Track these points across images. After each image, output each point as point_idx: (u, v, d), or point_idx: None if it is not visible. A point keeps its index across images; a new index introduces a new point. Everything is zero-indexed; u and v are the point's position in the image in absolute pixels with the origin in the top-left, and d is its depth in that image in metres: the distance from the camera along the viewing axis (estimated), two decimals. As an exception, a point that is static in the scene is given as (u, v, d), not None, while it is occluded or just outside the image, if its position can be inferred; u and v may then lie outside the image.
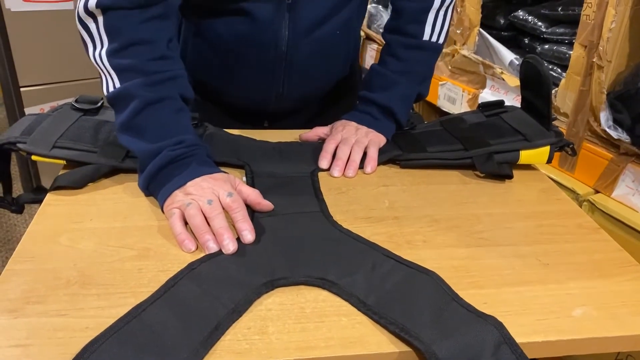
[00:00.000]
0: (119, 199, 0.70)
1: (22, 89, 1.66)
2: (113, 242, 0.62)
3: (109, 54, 0.70)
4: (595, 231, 0.69)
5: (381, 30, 1.74)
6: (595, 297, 0.57)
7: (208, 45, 0.87)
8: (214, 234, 0.61)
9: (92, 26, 0.70)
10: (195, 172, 0.67)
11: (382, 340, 0.50)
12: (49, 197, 0.70)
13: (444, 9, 0.88)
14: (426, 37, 0.88)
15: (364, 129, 0.85)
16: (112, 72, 0.70)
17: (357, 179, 0.78)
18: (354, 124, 0.86)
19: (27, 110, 1.66)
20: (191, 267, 0.58)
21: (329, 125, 0.88)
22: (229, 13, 0.82)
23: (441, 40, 0.90)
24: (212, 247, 0.60)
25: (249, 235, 0.62)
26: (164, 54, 0.72)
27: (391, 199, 0.73)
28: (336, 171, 0.79)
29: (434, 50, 0.90)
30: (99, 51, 0.70)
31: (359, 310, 0.54)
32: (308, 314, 0.53)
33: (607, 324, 0.54)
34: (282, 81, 0.88)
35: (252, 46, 0.84)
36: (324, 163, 0.80)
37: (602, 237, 0.68)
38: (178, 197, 0.65)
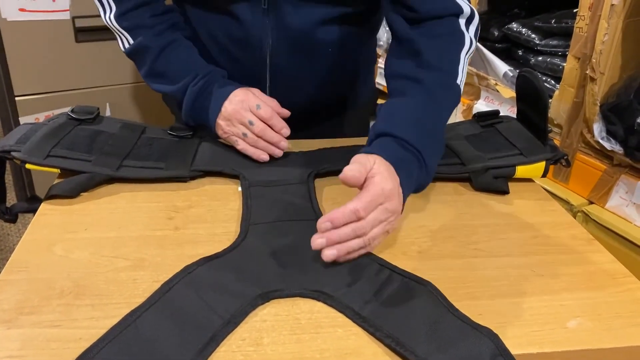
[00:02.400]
0: (113, 209, 0.70)
1: (17, 99, 1.66)
2: (107, 252, 0.62)
3: (117, 18, 0.84)
4: (589, 242, 0.70)
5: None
6: (590, 309, 0.57)
7: (203, 42, 0.90)
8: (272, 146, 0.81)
9: None
10: (221, 95, 0.81)
11: (377, 352, 0.50)
12: (43, 207, 0.70)
13: (470, 53, 0.77)
14: (459, 80, 0.73)
15: (398, 195, 0.61)
16: (123, 31, 0.85)
17: (353, 189, 0.78)
18: (395, 178, 0.62)
19: (22, 120, 1.65)
20: (187, 270, 0.58)
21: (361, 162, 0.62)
22: (218, 11, 0.85)
23: (462, 87, 0.75)
24: (277, 153, 0.81)
25: (286, 130, 0.81)
26: (163, 10, 0.86)
27: (386, 210, 0.73)
28: (330, 252, 0.58)
29: (459, 97, 0.75)
30: (109, 15, 0.85)
31: (354, 322, 0.53)
32: (303, 325, 0.53)
33: (601, 336, 0.54)
34: (268, 88, 0.90)
35: (240, 46, 0.86)
36: (322, 225, 0.58)
37: (596, 249, 0.68)
38: (225, 126, 0.81)
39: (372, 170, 0.61)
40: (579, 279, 0.62)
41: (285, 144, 0.82)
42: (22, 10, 1.57)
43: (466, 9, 0.76)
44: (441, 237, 0.68)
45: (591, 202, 1.17)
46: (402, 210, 0.64)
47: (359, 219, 0.58)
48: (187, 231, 0.67)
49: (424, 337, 0.51)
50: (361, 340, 0.51)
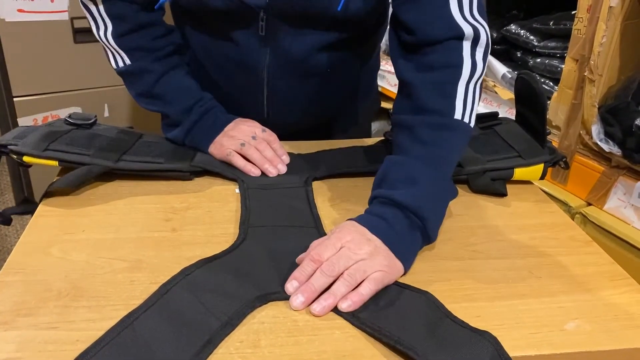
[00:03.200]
0: (111, 210, 0.70)
1: (15, 99, 1.66)
2: (105, 253, 0.62)
3: (116, 36, 0.81)
4: (587, 244, 0.70)
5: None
6: (588, 311, 0.57)
7: (201, 62, 0.89)
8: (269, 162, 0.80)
9: (92, 9, 0.80)
10: (227, 119, 0.84)
11: (375, 354, 0.50)
12: (41, 208, 0.70)
13: (476, 78, 0.69)
14: (458, 114, 0.67)
15: (373, 244, 0.59)
16: (120, 51, 0.82)
17: (351, 192, 0.78)
18: (363, 231, 0.61)
19: (20, 121, 1.65)
20: (185, 272, 0.57)
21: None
22: (217, 35, 0.84)
23: (472, 123, 0.69)
24: (272, 171, 0.79)
25: (286, 157, 0.83)
26: (165, 32, 0.84)
27: (385, 211, 0.73)
28: (297, 300, 0.55)
29: (467, 133, 0.69)
30: (104, 32, 0.81)
31: (352, 324, 0.53)
32: (301, 327, 0.53)
33: (600, 338, 0.54)
34: (266, 107, 0.89)
35: (238, 68, 0.86)
36: (289, 287, 0.56)
37: (594, 250, 0.68)
38: (225, 141, 0.81)
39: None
40: (577, 281, 0.62)
41: (282, 167, 0.81)
42: (20, 10, 1.57)
43: (468, 31, 0.68)
44: (439, 239, 0.68)
45: (589, 204, 1.17)
46: (405, 263, 0.60)
47: (320, 263, 0.57)
48: (184, 233, 0.67)
49: (424, 337, 0.51)
50: (359, 342, 0.51)
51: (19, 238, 0.64)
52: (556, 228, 0.73)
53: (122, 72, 0.84)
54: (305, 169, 0.81)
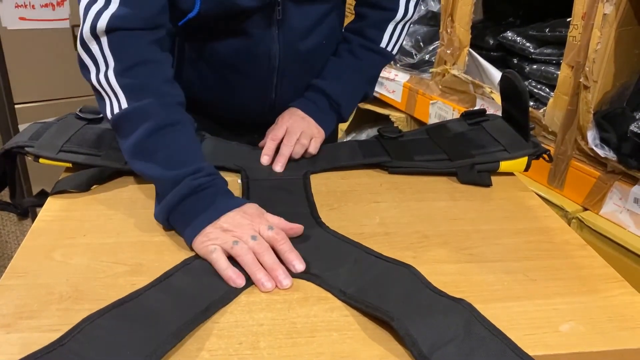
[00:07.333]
0: (112, 215, 0.71)
1: (16, 106, 1.67)
2: (106, 257, 0.63)
3: (118, 74, 0.68)
4: (582, 247, 0.70)
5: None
6: (582, 313, 0.58)
7: (205, 62, 0.89)
8: (265, 270, 0.60)
9: (94, 48, 0.69)
10: (225, 206, 0.65)
11: (373, 355, 0.51)
12: (42, 214, 0.71)
13: (402, 23, 0.96)
14: (383, 44, 0.96)
15: (307, 120, 0.89)
16: (119, 92, 0.68)
17: (349, 196, 0.79)
18: (300, 112, 0.90)
19: (21, 128, 1.66)
20: (185, 263, 0.61)
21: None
22: (224, 31, 0.85)
23: (394, 51, 0.98)
24: (268, 286, 0.58)
25: (299, 265, 0.61)
26: (171, 78, 0.73)
27: (382, 215, 0.74)
28: (279, 167, 0.83)
29: (387, 57, 0.98)
30: (104, 72, 0.69)
31: (338, 299, 0.57)
32: (299, 329, 0.53)
33: (594, 339, 0.54)
34: (275, 91, 0.91)
35: (247, 59, 0.87)
36: (264, 160, 0.85)
37: (588, 254, 0.69)
38: (213, 234, 0.62)
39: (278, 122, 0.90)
40: (572, 284, 0.63)
41: (286, 283, 0.59)
42: (22, 19, 1.59)
43: None
44: (435, 243, 0.69)
45: (586, 209, 1.18)
46: (325, 130, 0.91)
47: (277, 140, 0.86)
48: (185, 237, 0.67)
49: (402, 304, 0.55)
50: (357, 344, 0.52)
51: (19, 244, 0.65)
52: (551, 232, 0.73)
53: (118, 119, 0.69)
54: (304, 164, 0.85)
